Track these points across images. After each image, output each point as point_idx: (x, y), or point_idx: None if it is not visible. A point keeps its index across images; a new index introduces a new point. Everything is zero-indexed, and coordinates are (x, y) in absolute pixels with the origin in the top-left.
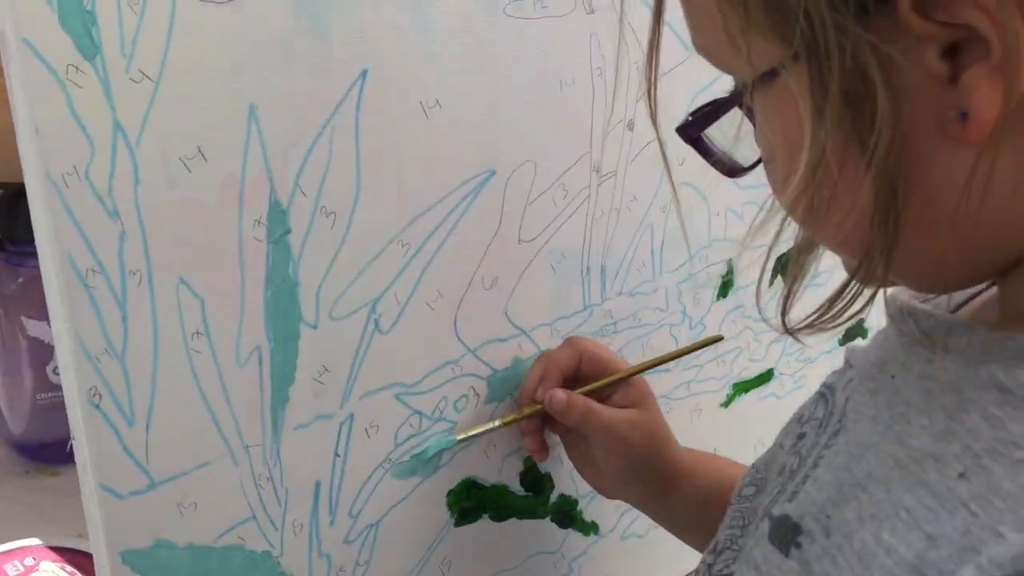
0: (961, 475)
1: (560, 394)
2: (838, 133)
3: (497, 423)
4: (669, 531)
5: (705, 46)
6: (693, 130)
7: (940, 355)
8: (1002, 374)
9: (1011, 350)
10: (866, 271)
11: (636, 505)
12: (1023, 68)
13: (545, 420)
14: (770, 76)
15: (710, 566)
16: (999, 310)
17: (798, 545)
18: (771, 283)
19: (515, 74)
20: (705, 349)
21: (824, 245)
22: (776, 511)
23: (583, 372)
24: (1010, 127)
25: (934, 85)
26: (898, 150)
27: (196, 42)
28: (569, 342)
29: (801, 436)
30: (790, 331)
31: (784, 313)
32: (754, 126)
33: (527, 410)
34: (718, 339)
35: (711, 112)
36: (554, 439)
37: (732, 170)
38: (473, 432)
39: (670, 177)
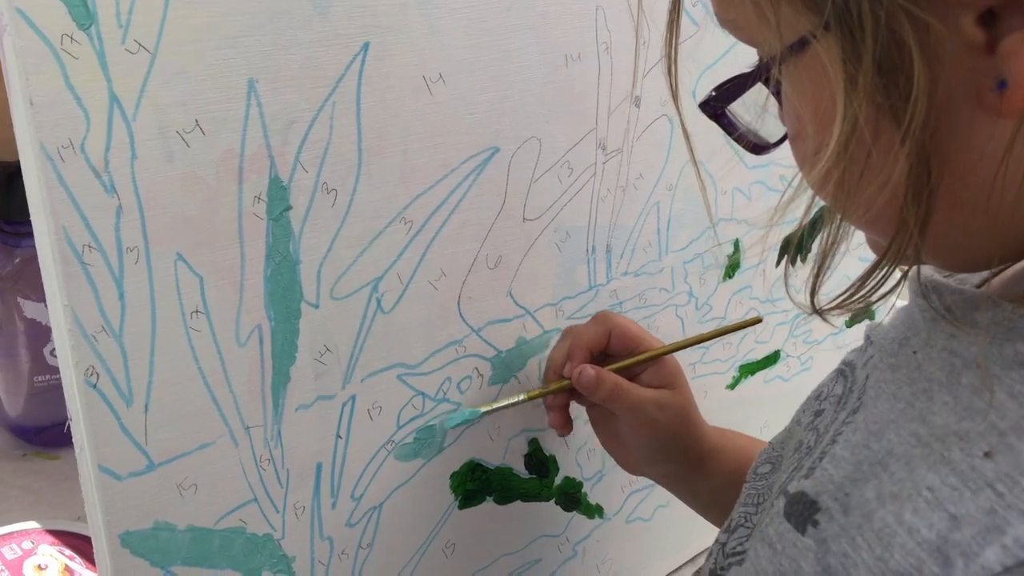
0: (987, 454)
1: (589, 370)
2: (871, 104)
3: (523, 397)
4: (693, 509)
5: (731, 18)
6: (718, 105)
7: (964, 330)
8: None
9: None
10: (897, 249)
11: (660, 482)
12: None
13: (572, 395)
14: (799, 47)
15: (723, 544)
16: None
17: (815, 523)
18: (777, 264)
19: (520, 48)
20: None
21: (853, 223)
22: (792, 488)
23: (612, 348)
24: None
25: (971, 53)
26: (933, 122)
27: (194, 13)
28: (599, 317)
29: (819, 413)
30: (819, 311)
31: (813, 294)
32: (779, 102)
33: (554, 385)
34: (757, 321)
35: (735, 87)
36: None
37: (757, 146)
38: (499, 405)
39: (692, 157)
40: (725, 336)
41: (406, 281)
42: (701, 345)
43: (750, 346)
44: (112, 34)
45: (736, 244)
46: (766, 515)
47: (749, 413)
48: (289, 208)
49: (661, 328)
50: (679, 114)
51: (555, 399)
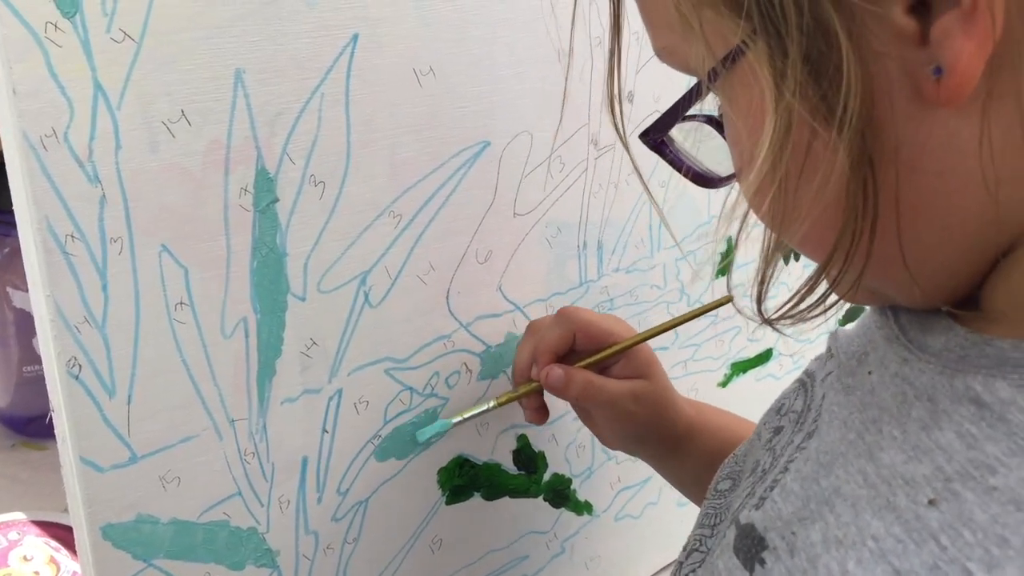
0: (931, 502)
1: (557, 371)
2: (803, 100)
3: (492, 404)
4: (678, 490)
5: (664, 45)
6: (656, 135)
7: (915, 355)
8: (979, 386)
9: (990, 357)
10: (840, 265)
11: (646, 461)
12: (998, 7)
13: (543, 394)
14: (731, 60)
15: (680, 564)
16: (980, 306)
17: (762, 562)
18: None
19: (512, 42)
20: (702, 329)
21: (791, 241)
22: (743, 518)
23: (579, 345)
24: (994, 87)
25: (904, 45)
26: (870, 120)
27: (180, 2)
28: (562, 317)
29: (778, 430)
30: (768, 321)
31: (759, 302)
32: (716, 129)
33: (522, 389)
34: (728, 300)
35: (670, 113)
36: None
37: (702, 177)
38: (468, 415)
39: (645, 187)
40: (717, 333)
41: (394, 275)
42: (692, 343)
43: (742, 344)
44: (97, 23)
45: (728, 241)
46: (717, 545)
47: (740, 411)
48: (276, 200)
49: (653, 325)
50: (627, 150)
51: (528, 400)
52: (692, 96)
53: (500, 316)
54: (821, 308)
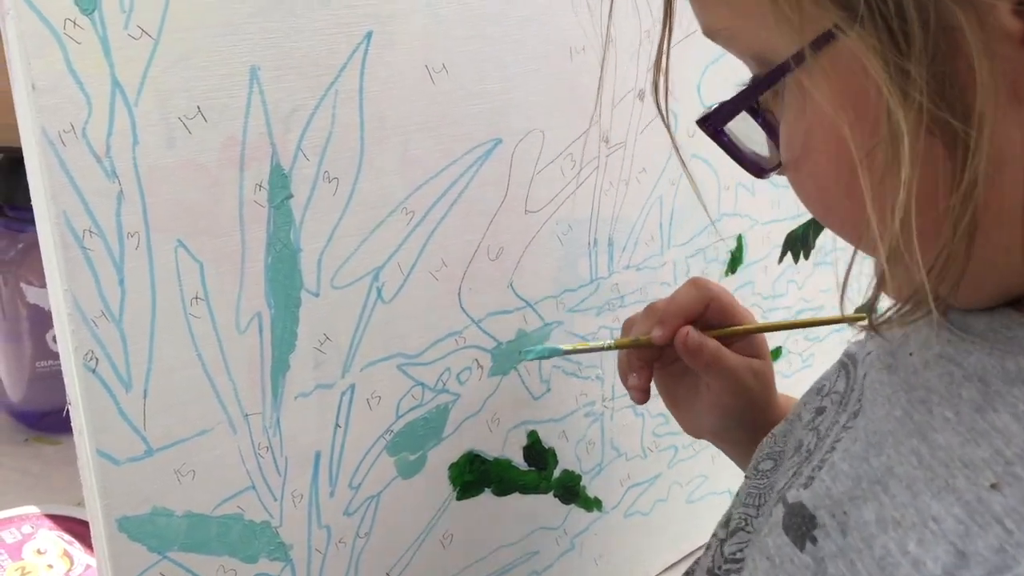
0: (993, 486)
1: (694, 334)
2: (928, 100)
3: (611, 342)
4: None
5: (724, 27)
6: (717, 122)
7: (959, 335)
8: None
9: None
10: (943, 265)
11: (724, 448)
12: None
13: (653, 353)
14: (820, 44)
15: (722, 542)
16: None
17: (813, 540)
18: (780, 260)
19: (524, 40)
20: None
21: (872, 251)
22: (791, 497)
23: (709, 316)
24: None
25: (1008, 45)
26: (993, 119)
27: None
28: (698, 283)
29: (821, 411)
30: (875, 327)
31: (871, 310)
32: (763, 120)
33: (643, 338)
34: (861, 318)
35: (740, 99)
36: (559, 417)
37: (758, 168)
38: (583, 347)
39: (679, 154)
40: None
41: (407, 271)
42: None
43: None
44: (115, 19)
45: (739, 239)
46: (765, 523)
47: None
48: (290, 196)
49: None
50: (665, 120)
51: (639, 357)
52: (762, 84)
53: (511, 313)
54: (925, 310)
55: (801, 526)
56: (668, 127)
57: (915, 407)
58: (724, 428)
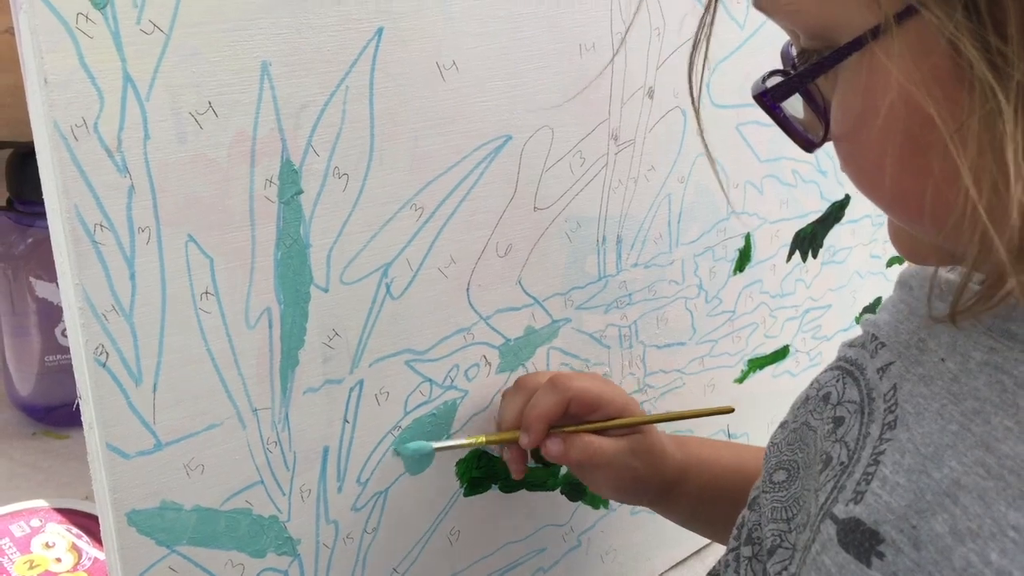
0: None
1: (555, 445)
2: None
3: (482, 439)
4: (681, 526)
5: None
6: (777, 96)
7: (1003, 343)
8: None
9: None
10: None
11: (646, 507)
12: None
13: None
14: (900, 19)
15: (754, 560)
16: None
17: (880, 555)
18: (788, 259)
19: (534, 37)
20: (719, 325)
21: (930, 231)
22: (841, 512)
23: (572, 411)
24: None
25: None
26: None
27: None
28: (556, 385)
29: (838, 421)
30: (954, 318)
31: (956, 302)
32: (815, 98)
33: (507, 435)
34: (728, 411)
35: (805, 75)
36: None
37: (810, 143)
38: (453, 444)
39: (708, 153)
40: (734, 330)
41: (416, 267)
42: (710, 338)
43: (759, 340)
44: (127, 14)
45: (747, 238)
46: (814, 541)
47: (757, 408)
48: (300, 192)
49: (671, 321)
50: (694, 102)
51: (513, 452)
52: (830, 59)
53: (520, 310)
54: (997, 298)
55: (863, 542)
56: (696, 110)
57: (970, 418)
58: (628, 498)
